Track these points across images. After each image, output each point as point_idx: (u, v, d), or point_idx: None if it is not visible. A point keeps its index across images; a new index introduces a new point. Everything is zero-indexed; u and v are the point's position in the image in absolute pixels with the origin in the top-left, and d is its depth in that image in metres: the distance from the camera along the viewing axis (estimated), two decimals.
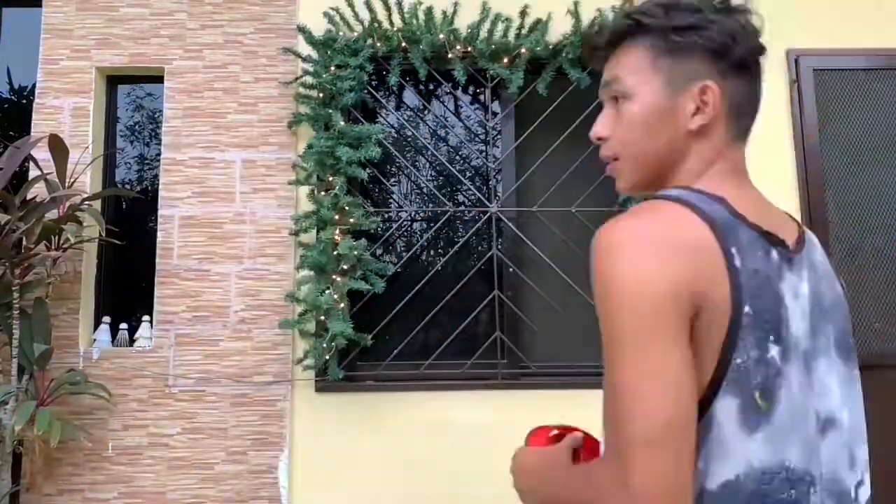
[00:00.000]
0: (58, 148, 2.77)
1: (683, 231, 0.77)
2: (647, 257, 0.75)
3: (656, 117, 0.87)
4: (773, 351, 0.78)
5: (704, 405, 0.76)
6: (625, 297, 0.74)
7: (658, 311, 0.73)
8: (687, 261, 0.75)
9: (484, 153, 3.22)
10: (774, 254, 0.81)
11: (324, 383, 2.88)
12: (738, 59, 0.85)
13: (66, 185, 2.84)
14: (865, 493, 0.87)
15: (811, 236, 0.92)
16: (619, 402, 0.73)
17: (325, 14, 2.99)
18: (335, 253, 2.79)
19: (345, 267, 2.81)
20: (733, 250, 0.77)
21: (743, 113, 0.88)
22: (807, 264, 0.86)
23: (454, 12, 2.96)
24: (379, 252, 3.13)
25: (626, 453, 0.71)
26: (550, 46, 3.00)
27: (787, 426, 0.78)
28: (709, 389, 0.76)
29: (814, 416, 0.82)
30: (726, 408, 0.76)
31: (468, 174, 3.22)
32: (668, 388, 0.72)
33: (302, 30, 2.98)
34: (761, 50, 0.88)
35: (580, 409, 2.89)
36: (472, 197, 3.19)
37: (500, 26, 3.01)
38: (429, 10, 2.95)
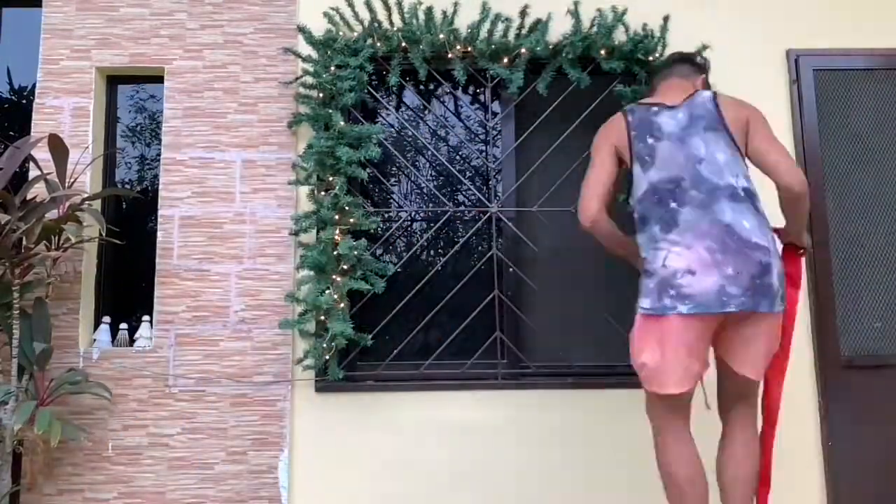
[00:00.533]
0: (58, 148, 2.77)
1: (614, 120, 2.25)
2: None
3: None
4: (651, 140, 2.10)
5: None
6: None
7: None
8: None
9: (484, 153, 3.22)
10: (654, 108, 2.15)
11: (324, 383, 2.88)
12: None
13: (66, 185, 2.84)
14: (742, 182, 2.02)
15: (702, 97, 2.13)
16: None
17: (325, 14, 2.99)
18: (335, 253, 2.79)
19: (345, 267, 2.81)
20: (630, 118, 2.17)
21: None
22: (685, 106, 2.12)
23: (454, 12, 2.96)
24: (379, 252, 3.13)
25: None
26: (550, 46, 3.01)
27: (665, 164, 2.07)
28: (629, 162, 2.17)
29: (691, 157, 2.04)
30: (636, 167, 2.13)
31: (468, 174, 3.22)
32: None
33: (302, 30, 2.98)
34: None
35: (580, 410, 2.91)
36: (472, 197, 3.19)
37: (500, 26, 3.02)
38: (429, 10, 2.95)
